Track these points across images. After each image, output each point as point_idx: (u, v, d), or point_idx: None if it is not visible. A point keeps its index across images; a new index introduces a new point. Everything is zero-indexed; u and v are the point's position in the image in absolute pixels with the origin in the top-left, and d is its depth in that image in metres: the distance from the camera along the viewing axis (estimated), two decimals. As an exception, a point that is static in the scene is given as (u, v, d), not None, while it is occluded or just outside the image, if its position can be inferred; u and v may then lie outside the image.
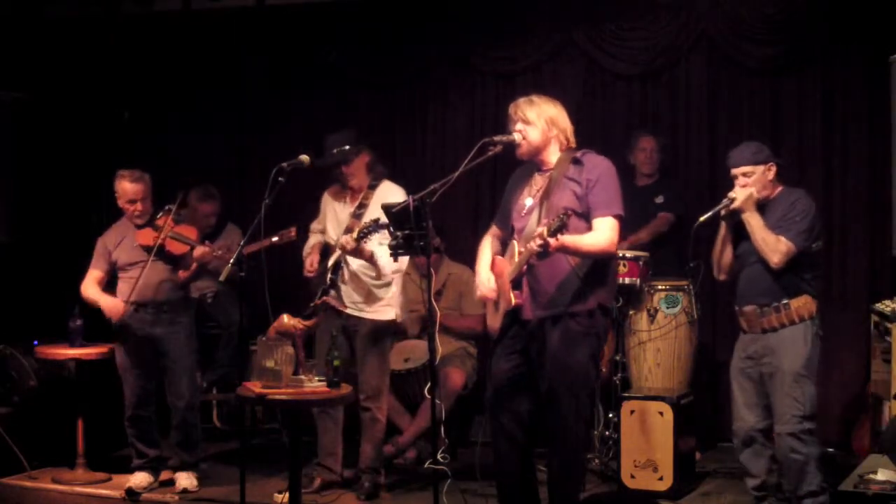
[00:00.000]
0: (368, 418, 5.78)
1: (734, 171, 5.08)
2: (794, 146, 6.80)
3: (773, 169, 5.04)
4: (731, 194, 5.05)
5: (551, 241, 4.33)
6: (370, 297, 5.76)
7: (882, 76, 6.25)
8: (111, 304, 5.88)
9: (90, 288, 5.94)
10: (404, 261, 5.72)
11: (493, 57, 7.40)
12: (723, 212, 5.07)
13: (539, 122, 4.69)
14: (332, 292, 5.73)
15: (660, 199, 6.75)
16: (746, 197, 5.00)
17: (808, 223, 4.96)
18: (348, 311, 5.76)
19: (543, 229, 4.35)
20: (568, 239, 4.40)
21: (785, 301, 4.98)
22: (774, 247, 4.92)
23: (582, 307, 4.59)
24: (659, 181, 6.84)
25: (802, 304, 4.98)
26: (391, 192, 5.63)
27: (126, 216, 5.98)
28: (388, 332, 5.89)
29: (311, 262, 5.80)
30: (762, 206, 5.04)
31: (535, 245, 4.38)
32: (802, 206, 5.00)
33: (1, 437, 6.22)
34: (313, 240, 5.95)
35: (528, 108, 4.71)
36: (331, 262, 5.75)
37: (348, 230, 5.69)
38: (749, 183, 5.03)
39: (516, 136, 4.70)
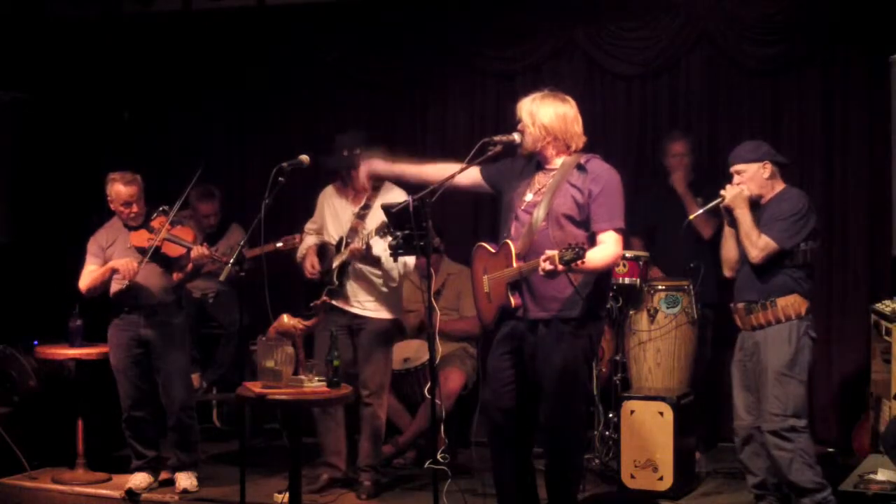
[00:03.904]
0: (369, 414, 5.80)
1: (731, 168, 5.14)
2: (794, 146, 6.79)
3: (769, 167, 5.07)
4: (723, 192, 5.10)
5: (561, 268, 4.32)
6: (376, 297, 5.79)
7: (882, 76, 6.26)
8: (123, 262, 5.74)
9: (87, 277, 5.88)
10: (411, 263, 5.74)
11: (493, 57, 7.39)
12: (714, 209, 5.15)
13: (533, 129, 4.64)
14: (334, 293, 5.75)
15: (699, 201, 6.66)
16: (735, 195, 5.05)
17: (793, 222, 4.97)
18: (354, 309, 5.79)
19: (555, 255, 4.32)
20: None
21: (772, 299, 5.00)
22: (754, 242, 4.97)
23: (574, 314, 4.59)
24: (697, 183, 6.73)
25: (790, 303, 4.99)
26: (394, 195, 5.65)
27: (120, 218, 5.95)
28: (392, 331, 5.93)
29: (311, 263, 5.81)
30: (760, 206, 5.07)
31: (543, 269, 4.36)
32: (789, 206, 5.02)
33: (1, 437, 6.22)
34: (309, 241, 5.95)
35: (525, 111, 4.66)
36: (336, 264, 5.75)
37: (353, 230, 5.71)
38: (742, 181, 5.08)
39: (515, 136, 4.69)
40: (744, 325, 5.14)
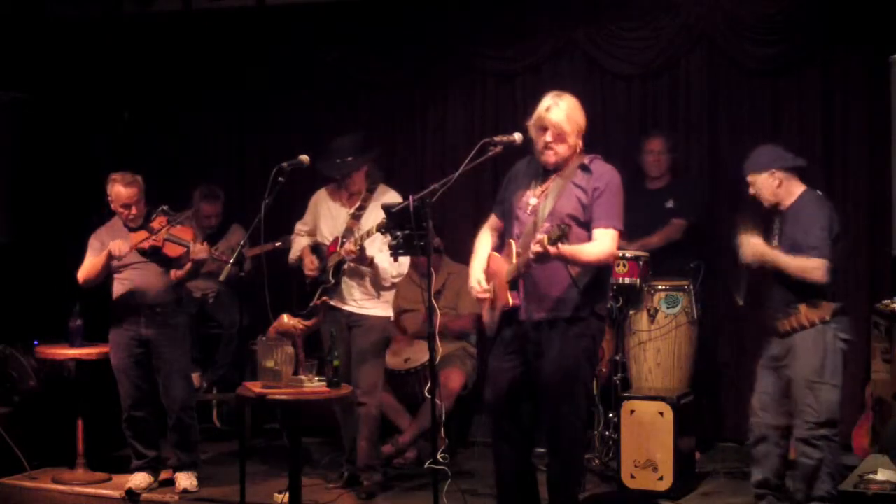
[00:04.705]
0: (364, 414, 5.79)
1: (746, 178, 5.12)
2: (795, 146, 6.75)
3: (777, 175, 5.03)
4: (740, 255, 5.05)
5: (551, 249, 4.32)
6: (371, 295, 5.79)
7: (882, 76, 6.26)
8: (115, 243, 5.74)
9: (84, 268, 5.86)
10: (405, 265, 5.75)
11: (493, 57, 7.39)
12: (745, 272, 5.12)
13: (573, 137, 4.61)
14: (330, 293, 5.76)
15: (670, 204, 6.62)
16: (751, 251, 5.00)
17: (825, 232, 4.92)
18: (349, 307, 5.79)
19: (544, 237, 4.33)
20: (567, 248, 4.38)
21: (796, 305, 4.98)
22: (810, 269, 4.89)
23: (576, 313, 4.60)
24: (670, 184, 6.75)
25: (814, 308, 4.96)
26: (389, 196, 5.68)
27: (120, 218, 5.95)
28: (387, 329, 5.94)
29: (310, 261, 5.83)
30: (781, 212, 5.04)
31: (534, 251, 4.37)
32: (815, 220, 4.95)
33: (1, 437, 6.22)
34: (302, 241, 5.96)
35: (565, 120, 4.57)
36: (332, 263, 5.77)
37: (348, 230, 5.73)
38: (755, 191, 5.06)
39: (516, 136, 4.69)
40: (770, 331, 5.11)
